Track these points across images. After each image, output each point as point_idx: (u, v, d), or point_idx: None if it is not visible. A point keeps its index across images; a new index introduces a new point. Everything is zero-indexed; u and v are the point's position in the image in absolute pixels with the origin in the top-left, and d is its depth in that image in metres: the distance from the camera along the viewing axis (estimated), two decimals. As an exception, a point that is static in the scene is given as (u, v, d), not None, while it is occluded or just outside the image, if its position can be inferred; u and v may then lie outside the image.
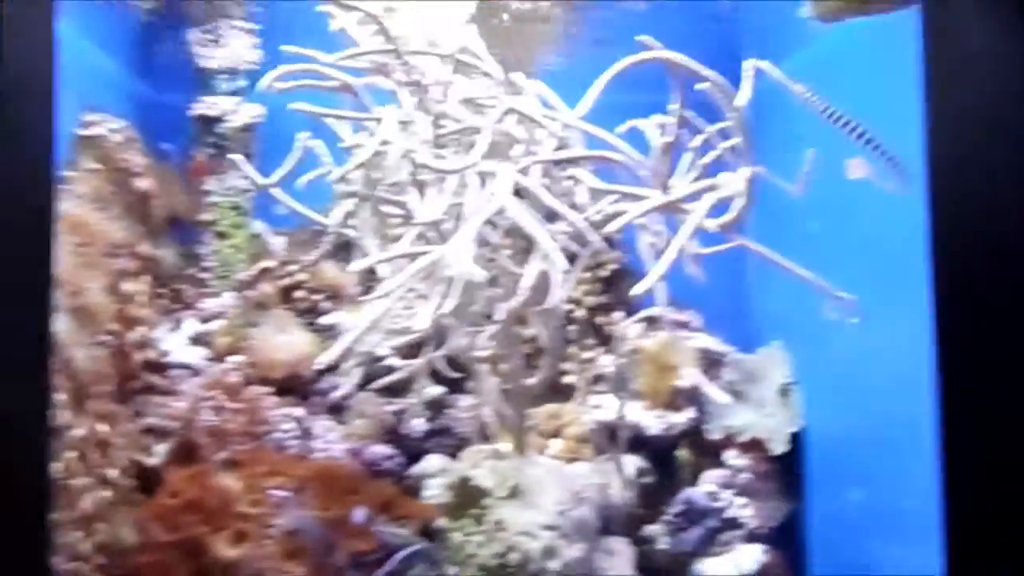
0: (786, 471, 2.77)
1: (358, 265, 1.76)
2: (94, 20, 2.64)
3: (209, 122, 3.08)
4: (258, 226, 3.18)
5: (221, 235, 3.07)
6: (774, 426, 2.75)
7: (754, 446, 2.75)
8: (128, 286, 2.48)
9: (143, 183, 2.66)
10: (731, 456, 2.76)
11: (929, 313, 1.39)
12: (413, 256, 1.77)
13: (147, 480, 2.42)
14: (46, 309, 1.44)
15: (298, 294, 2.94)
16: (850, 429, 2.48)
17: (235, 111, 3.08)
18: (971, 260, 1.38)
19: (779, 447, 2.71)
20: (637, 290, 1.62)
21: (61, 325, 2.03)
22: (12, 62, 1.37)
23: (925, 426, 1.40)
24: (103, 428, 2.21)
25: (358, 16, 2.09)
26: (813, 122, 2.66)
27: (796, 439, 2.72)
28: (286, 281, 2.94)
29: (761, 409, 2.81)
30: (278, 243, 3.11)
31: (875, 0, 1.74)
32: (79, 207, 2.34)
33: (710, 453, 2.83)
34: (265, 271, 2.89)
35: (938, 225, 1.41)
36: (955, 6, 1.41)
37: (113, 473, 2.22)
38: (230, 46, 2.95)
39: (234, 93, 3.12)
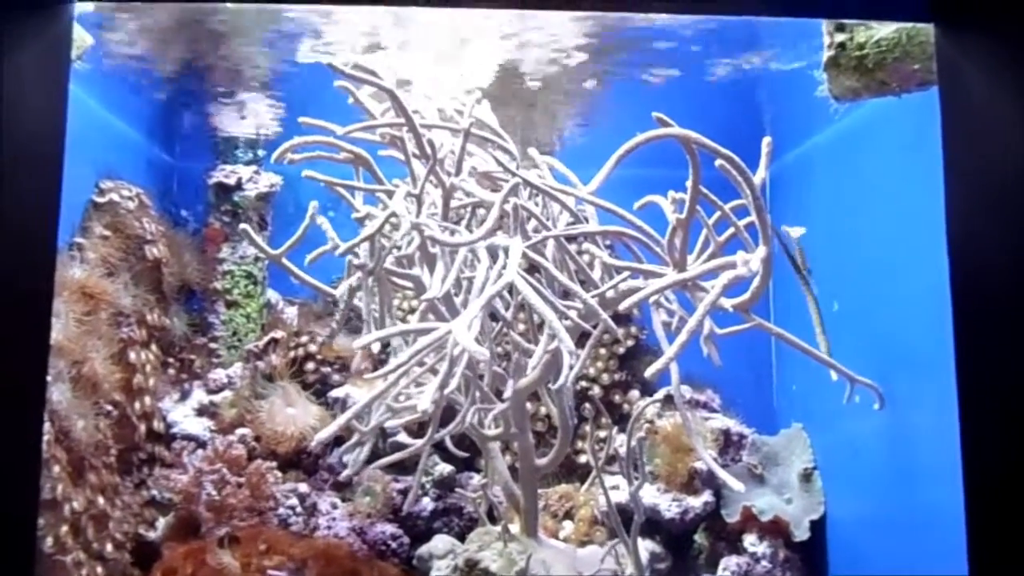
0: (807, 560, 2.66)
1: (361, 341, 1.72)
2: (116, 92, 2.67)
3: (226, 190, 3.09)
4: (271, 295, 3.15)
5: (233, 304, 3.04)
6: (795, 512, 2.65)
7: (774, 532, 2.65)
8: (135, 355, 2.45)
9: (155, 250, 2.65)
10: (750, 542, 2.66)
11: (956, 396, 1.35)
12: (419, 332, 1.73)
13: (145, 555, 2.37)
14: (40, 379, 1.41)
15: (308, 366, 2.90)
16: (874, 517, 2.39)
17: (252, 180, 3.08)
18: (997, 340, 1.35)
19: (800, 534, 2.61)
20: (650, 372, 1.56)
21: (60, 394, 2.00)
22: (21, 130, 1.36)
23: (952, 514, 1.35)
24: (100, 501, 2.16)
25: (373, 89, 2.09)
26: (829, 202, 2.66)
27: (818, 526, 2.63)
28: (296, 352, 2.90)
29: (782, 494, 2.72)
30: (291, 313, 3.09)
31: (892, 81, 1.73)
32: (88, 274, 2.32)
33: (728, 539, 2.73)
34: (275, 342, 2.85)
35: (962, 304, 1.38)
36: (971, 88, 1.41)
37: (108, 548, 2.17)
38: (250, 116, 2.97)
39: (252, 162, 3.13)
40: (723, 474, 1.77)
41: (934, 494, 1.97)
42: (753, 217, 1.65)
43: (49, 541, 1.93)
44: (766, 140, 1.78)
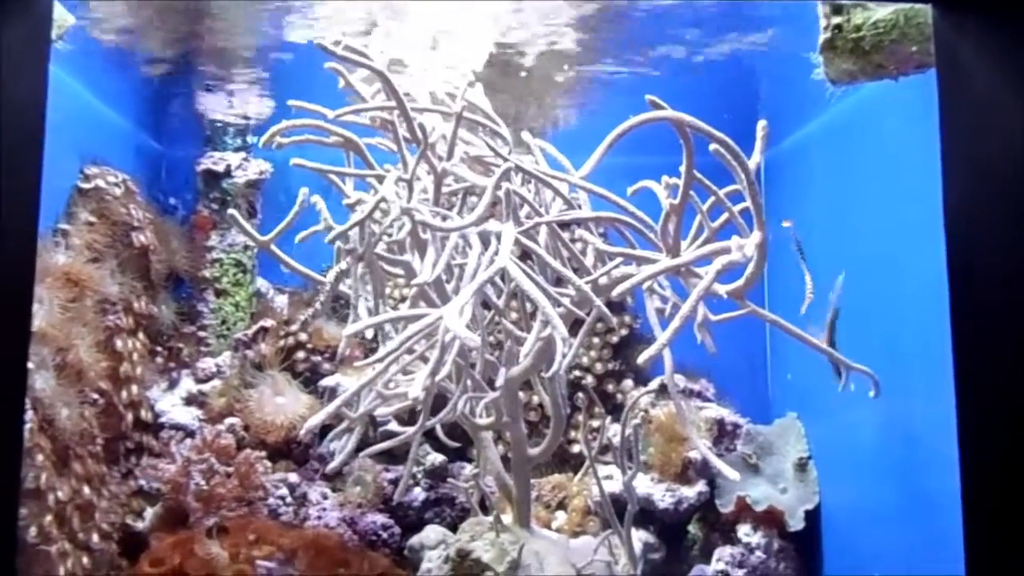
0: (802, 550, 2.65)
1: (352, 328, 1.69)
2: (102, 76, 2.64)
3: (215, 177, 3.05)
4: (261, 284, 3.12)
5: (222, 292, 3.01)
6: (790, 502, 2.64)
7: (769, 522, 2.63)
8: (121, 343, 2.42)
9: (142, 237, 2.61)
10: (745, 532, 2.64)
11: (953, 385, 1.34)
12: (409, 319, 1.70)
13: (132, 545, 2.34)
14: (21, 366, 1.38)
15: (298, 355, 2.87)
16: (869, 507, 2.37)
17: (241, 167, 3.04)
18: (994, 328, 1.33)
19: (795, 524, 2.59)
20: (643, 359, 1.53)
21: (44, 382, 1.97)
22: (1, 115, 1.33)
23: (948, 504, 1.33)
24: (86, 491, 2.13)
25: (364, 73, 2.06)
26: (825, 187, 2.63)
27: (813, 516, 2.61)
28: (286, 341, 2.87)
29: (776, 484, 2.70)
30: (280, 302, 3.05)
31: (889, 64, 1.70)
32: (73, 260, 2.29)
33: (722, 529, 2.71)
34: (264, 330, 2.82)
35: (959, 291, 1.36)
36: (970, 70, 1.39)
37: (95, 538, 2.14)
38: (239, 102, 2.93)
39: (241, 149, 3.10)
40: (718, 463, 1.75)
41: (930, 484, 1.95)
42: (748, 202, 1.62)
43: (33, 531, 1.90)
44: (761, 123, 1.75)
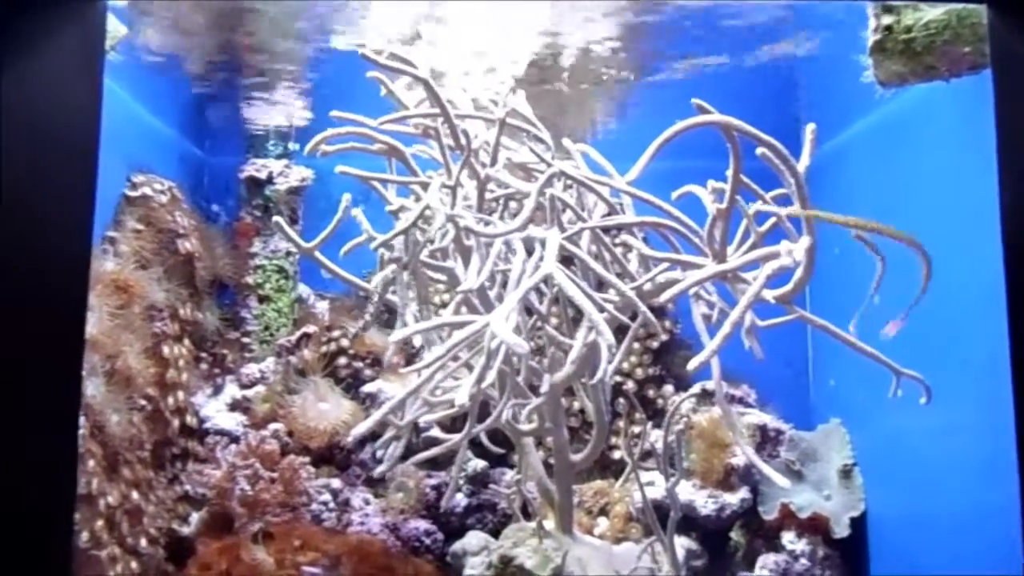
0: (847, 558, 2.61)
1: (398, 335, 1.69)
2: (147, 84, 2.67)
3: (257, 184, 3.08)
4: (303, 290, 3.15)
5: (265, 299, 3.04)
6: (835, 509, 2.60)
7: (813, 529, 2.60)
8: (168, 349, 2.45)
9: (187, 244, 2.64)
10: (789, 540, 2.61)
11: (1012, 390, 1.31)
12: (456, 325, 1.70)
13: (178, 550, 2.36)
14: (76, 372, 1.40)
15: (340, 361, 2.89)
16: (917, 514, 2.33)
17: (283, 174, 3.07)
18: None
19: (840, 531, 2.56)
20: (693, 364, 1.52)
21: (95, 389, 1.99)
22: (57, 123, 1.36)
23: (1001, 511, 1.30)
24: (135, 496, 2.15)
25: (406, 81, 2.06)
26: (871, 189, 2.60)
27: (858, 524, 2.57)
28: (328, 347, 2.89)
29: (821, 491, 2.67)
30: (322, 308, 3.07)
31: (941, 65, 1.68)
32: (121, 267, 2.32)
33: (766, 536, 2.69)
34: (307, 336, 2.84)
35: (1018, 296, 1.33)
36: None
37: (143, 543, 2.16)
38: (281, 110, 2.95)
39: (283, 156, 3.12)
40: (766, 469, 1.73)
41: (980, 490, 1.92)
42: (796, 206, 1.61)
43: (85, 536, 1.93)
44: (811, 127, 1.73)
